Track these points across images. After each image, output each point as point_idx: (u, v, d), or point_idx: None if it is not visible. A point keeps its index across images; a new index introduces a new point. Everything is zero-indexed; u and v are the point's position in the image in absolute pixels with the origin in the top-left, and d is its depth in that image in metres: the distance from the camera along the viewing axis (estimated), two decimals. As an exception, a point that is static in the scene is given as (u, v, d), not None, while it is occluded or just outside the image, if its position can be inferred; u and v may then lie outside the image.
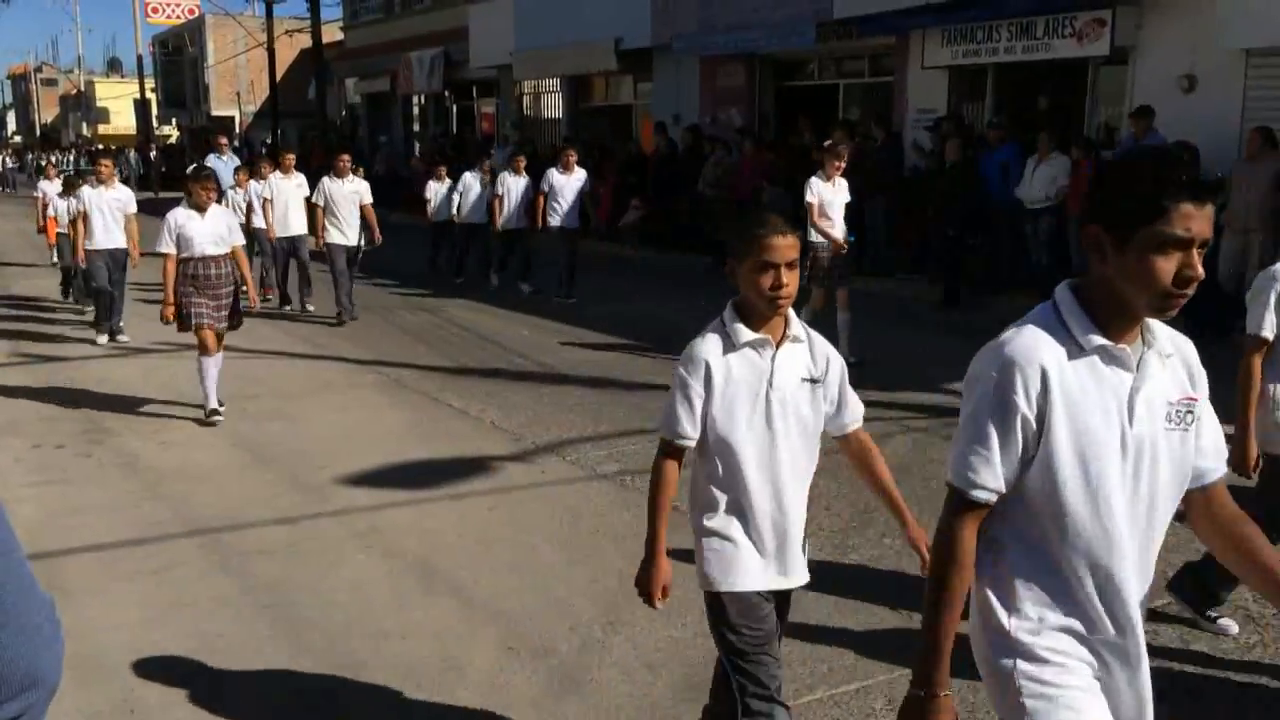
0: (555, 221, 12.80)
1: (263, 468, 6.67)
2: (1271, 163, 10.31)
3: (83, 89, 68.19)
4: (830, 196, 9.03)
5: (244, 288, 7.91)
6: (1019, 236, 12.52)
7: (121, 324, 10.91)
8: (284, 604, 4.66)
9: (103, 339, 10.68)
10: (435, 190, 15.05)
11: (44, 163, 23.18)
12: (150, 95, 48.85)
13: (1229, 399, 6.48)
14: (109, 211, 10.72)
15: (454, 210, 14.37)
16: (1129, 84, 12.52)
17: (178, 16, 44.53)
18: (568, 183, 12.82)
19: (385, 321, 11.89)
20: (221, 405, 7.65)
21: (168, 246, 7.36)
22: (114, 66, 69.02)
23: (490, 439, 7.22)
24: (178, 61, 50.90)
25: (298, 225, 12.44)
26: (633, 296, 12.18)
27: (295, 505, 5.93)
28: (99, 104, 65.03)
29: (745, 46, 17.25)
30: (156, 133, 49.50)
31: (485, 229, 13.95)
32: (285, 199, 12.44)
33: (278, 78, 30.33)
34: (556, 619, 4.45)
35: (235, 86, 45.61)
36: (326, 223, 11.80)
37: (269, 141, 30.79)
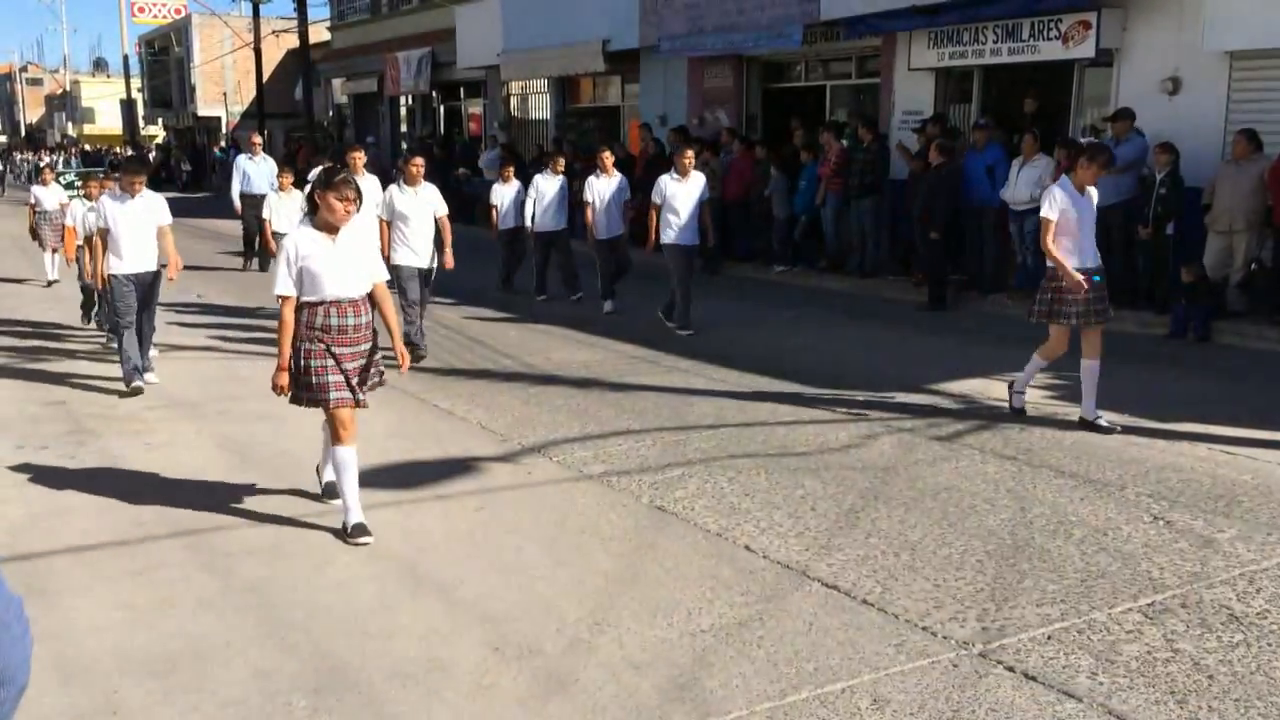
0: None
1: (248, 469, 6.64)
2: (1256, 164, 10.38)
3: (68, 89, 67.89)
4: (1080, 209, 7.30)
5: (381, 351, 5.59)
6: (1005, 238, 12.56)
7: (152, 362, 9.04)
8: (269, 605, 4.64)
9: (138, 383, 8.55)
10: (502, 195, 13.40)
11: (41, 165, 22.17)
12: (136, 95, 48.66)
13: (1230, 398, 6.53)
14: (139, 226, 8.52)
15: (529, 218, 12.78)
16: (1114, 86, 12.58)
17: (164, 16, 44.38)
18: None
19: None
20: (367, 534, 5.38)
21: (286, 287, 5.24)
22: (100, 66, 68.75)
23: (477, 440, 7.21)
24: (164, 61, 50.71)
25: None
26: (623, 298, 12.16)
27: (280, 506, 5.90)
28: (84, 104, 64.76)
29: (732, 48, 17.26)
30: (142, 133, 49.31)
31: (563, 238, 12.80)
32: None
33: (264, 78, 30.30)
34: (543, 619, 4.45)
35: (222, 87, 45.44)
36: (394, 240, 9.54)
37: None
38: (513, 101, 25.64)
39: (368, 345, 5.38)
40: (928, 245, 12.30)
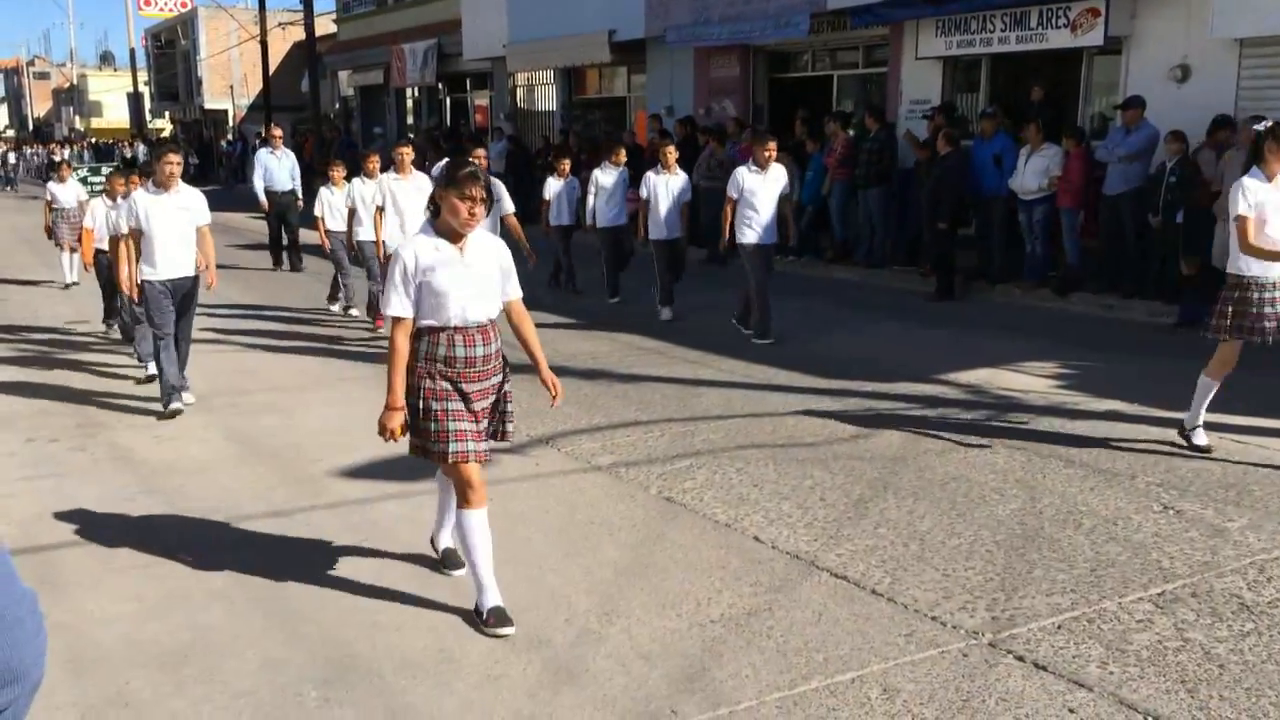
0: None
1: (256, 461, 6.65)
2: (1265, 152, 10.31)
3: (75, 82, 68.00)
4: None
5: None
6: (1013, 227, 12.52)
7: (186, 379, 7.90)
8: (278, 597, 4.65)
9: (176, 404, 7.58)
10: (555, 189, 12.58)
11: (57, 160, 20.89)
12: (143, 89, 48.73)
13: (1241, 386, 6.51)
14: (175, 226, 7.49)
15: (589, 213, 12.05)
16: (1123, 74, 12.52)
17: (170, 9, 44.48)
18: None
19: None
20: (509, 623, 4.32)
21: (401, 307, 4.19)
22: (106, 60, 68.95)
23: (485, 431, 7.20)
24: (170, 55, 50.78)
25: None
26: (631, 289, 12.14)
27: (289, 498, 5.92)
28: (92, 98, 64.88)
29: (739, 37, 17.21)
30: (149, 126, 49.37)
31: (627, 233, 12.00)
32: (406, 205, 9.47)
33: (271, 70, 30.27)
34: (551, 610, 4.45)
35: (228, 80, 45.51)
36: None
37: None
38: (519, 93, 25.61)
39: (499, 379, 4.40)
40: (935, 235, 12.27)
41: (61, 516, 5.67)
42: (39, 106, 77.62)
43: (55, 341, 10.60)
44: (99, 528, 5.49)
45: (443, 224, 4.24)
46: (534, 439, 6.97)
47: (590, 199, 12.02)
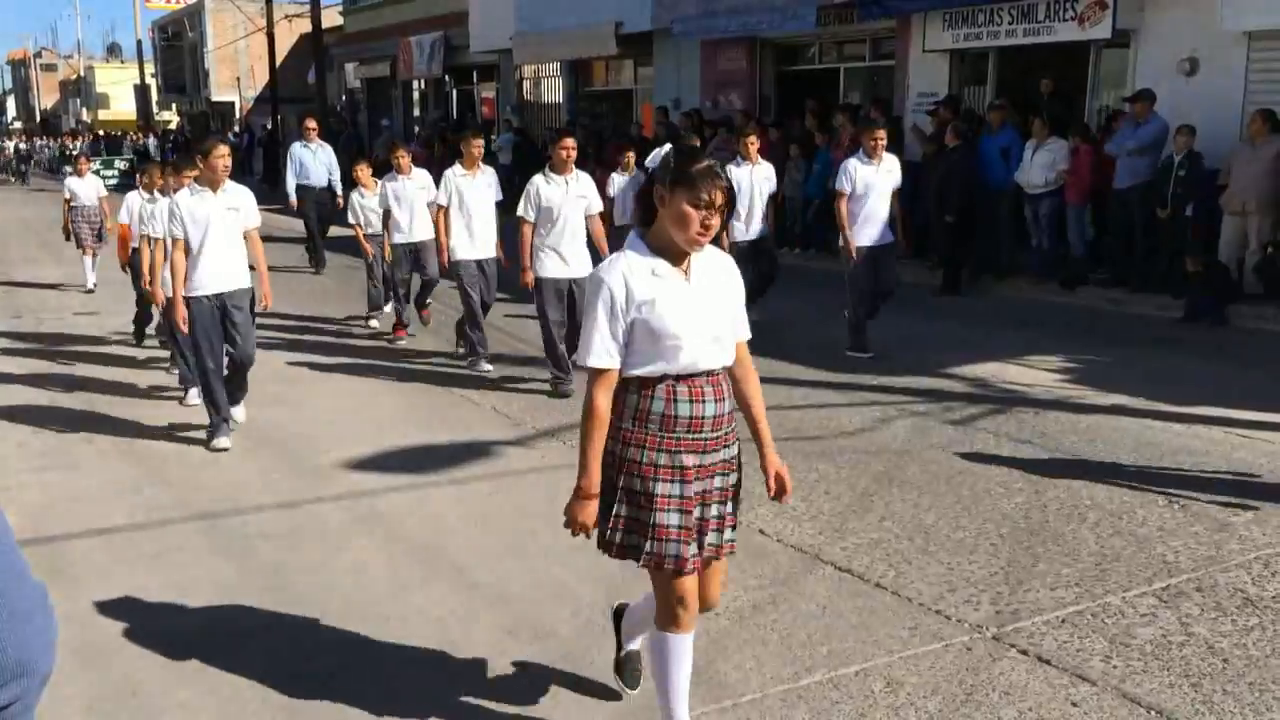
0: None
1: (263, 452, 6.67)
2: (1272, 145, 10.30)
3: (82, 74, 68.10)
4: None
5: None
6: (1019, 221, 12.50)
7: (241, 406, 7.04)
8: (285, 588, 4.67)
9: (224, 441, 6.67)
10: (620, 185, 11.73)
11: (74, 153, 18.80)
12: (150, 81, 48.79)
13: (1246, 381, 6.50)
14: (224, 231, 6.46)
15: None
16: (1131, 67, 12.48)
17: (177, 2, 44.45)
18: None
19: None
20: None
21: (607, 355, 3.06)
22: (113, 52, 68.98)
23: (490, 424, 7.23)
24: (177, 47, 50.84)
25: (488, 246, 8.64)
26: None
27: (296, 490, 5.94)
28: (99, 89, 64.98)
29: (746, 30, 17.19)
30: (156, 118, 49.43)
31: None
32: (474, 205, 8.49)
33: (278, 63, 30.26)
34: (557, 602, 4.47)
35: (235, 72, 45.54)
36: (536, 246, 7.66)
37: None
38: (525, 85, 25.60)
39: (731, 452, 3.22)
40: (942, 228, 12.25)
41: (70, 508, 5.70)
42: (46, 98, 77.77)
43: (63, 332, 10.62)
44: (107, 519, 5.52)
45: (660, 236, 3.08)
46: (539, 431, 6.99)
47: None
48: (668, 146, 3.48)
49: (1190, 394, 7.54)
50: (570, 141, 7.65)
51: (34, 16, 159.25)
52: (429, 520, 5.47)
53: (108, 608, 4.48)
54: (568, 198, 7.54)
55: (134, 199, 9.11)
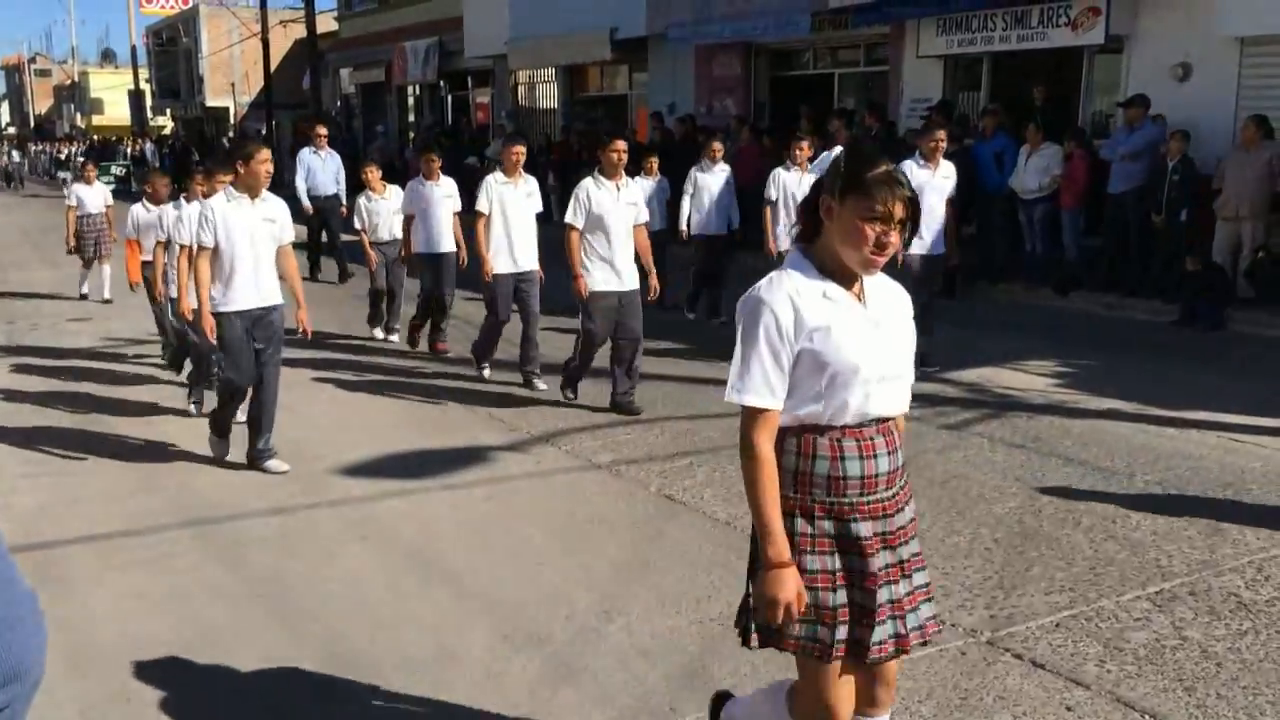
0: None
1: (258, 458, 6.65)
2: (1265, 151, 10.34)
3: (76, 80, 68.01)
4: None
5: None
6: (1014, 225, 12.53)
7: (273, 446, 6.39)
8: (279, 594, 4.67)
9: (281, 466, 6.32)
10: (646, 191, 10.58)
11: (81, 160, 17.73)
12: (144, 86, 48.74)
13: (1240, 385, 6.52)
14: (258, 243, 6.01)
15: (683, 219, 10.71)
16: (1124, 73, 12.53)
17: (171, 7, 44.51)
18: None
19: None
20: None
21: (767, 394, 2.60)
22: (108, 57, 68.88)
23: (485, 429, 7.22)
24: (172, 52, 50.78)
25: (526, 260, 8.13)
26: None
27: (291, 496, 5.93)
28: (93, 95, 64.91)
29: (741, 35, 17.22)
30: (150, 124, 49.39)
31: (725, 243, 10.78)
32: (515, 216, 8.03)
33: (272, 68, 30.25)
34: (552, 608, 4.46)
35: (230, 77, 45.52)
36: (586, 256, 7.27)
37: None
38: (520, 90, 25.62)
39: (909, 517, 2.72)
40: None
41: (63, 513, 5.68)
42: (40, 104, 77.62)
43: (57, 336, 10.60)
44: (101, 524, 5.51)
45: (827, 254, 2.60)
46: (534, 436, 6.99)
47: (685, 203, 10.65)
48: (838, 149, 3.13)
49: (1184, 398, 7.55)
50: (622, 144, 7.13)
51: (28, 22, 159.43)
52: (424, 526, 5.47)
53: (101, 614, 4.47)
54: (618, 204, 7.15)
55: (139, 211, 8.83)
